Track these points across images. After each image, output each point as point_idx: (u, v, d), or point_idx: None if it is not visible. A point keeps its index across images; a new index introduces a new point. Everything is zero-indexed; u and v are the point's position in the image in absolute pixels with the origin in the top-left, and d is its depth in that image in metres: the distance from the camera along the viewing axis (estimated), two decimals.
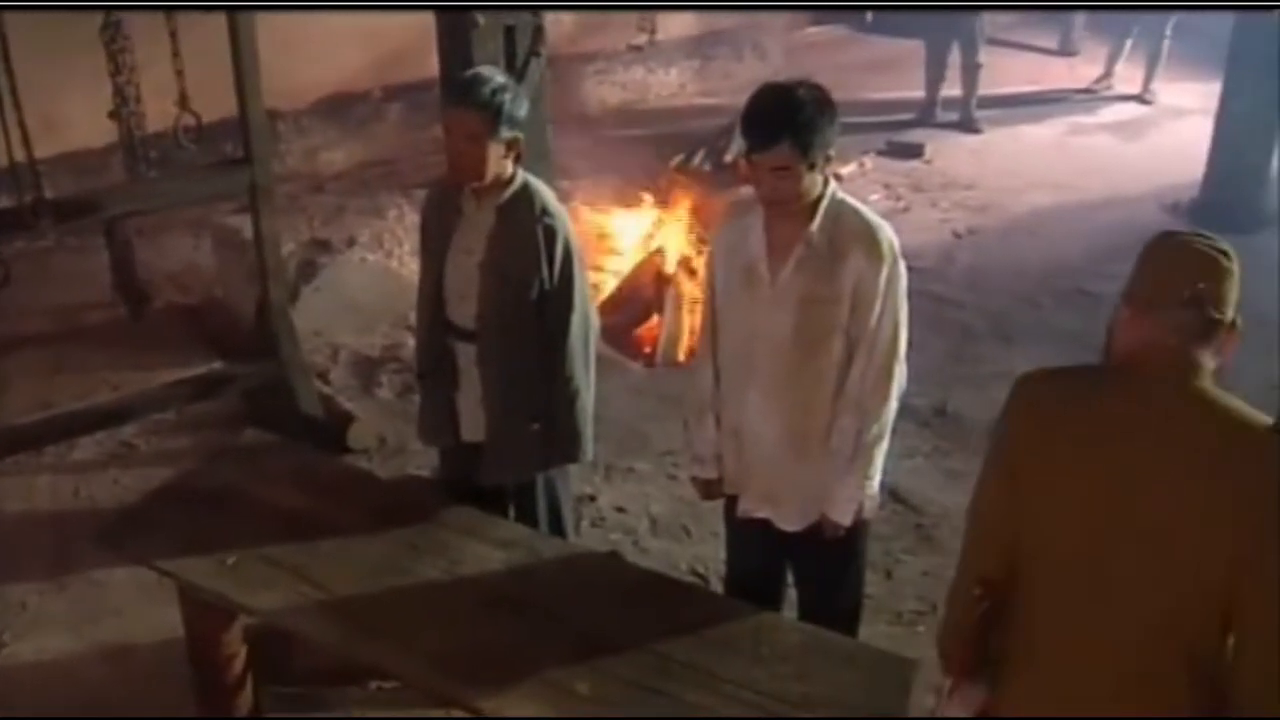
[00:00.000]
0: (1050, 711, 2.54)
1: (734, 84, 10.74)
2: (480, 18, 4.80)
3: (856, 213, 3.47)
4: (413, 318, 4.57)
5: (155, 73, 5.49)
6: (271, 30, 5.57)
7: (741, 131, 3.39)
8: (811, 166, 3.31)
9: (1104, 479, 2.43)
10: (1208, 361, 2.59)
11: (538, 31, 5.03)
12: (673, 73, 11.28)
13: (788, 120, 3.25)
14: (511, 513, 4.14)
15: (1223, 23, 8.90)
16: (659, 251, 7.30)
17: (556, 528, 4.22)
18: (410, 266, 6.60)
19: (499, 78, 3.76)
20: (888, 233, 3.46)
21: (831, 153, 3.38)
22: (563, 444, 4.04)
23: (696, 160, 9.12)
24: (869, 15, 12.72)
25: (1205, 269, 2.66)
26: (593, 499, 5.47)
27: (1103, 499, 2.43)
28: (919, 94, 10.80)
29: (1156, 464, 2.41)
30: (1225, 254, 2.69)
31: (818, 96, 3.31)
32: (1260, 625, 2.31)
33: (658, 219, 7.80)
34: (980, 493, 2.70)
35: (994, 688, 2.66)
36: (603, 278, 7.22)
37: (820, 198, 3.41)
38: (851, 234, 3.42)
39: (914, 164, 9.83)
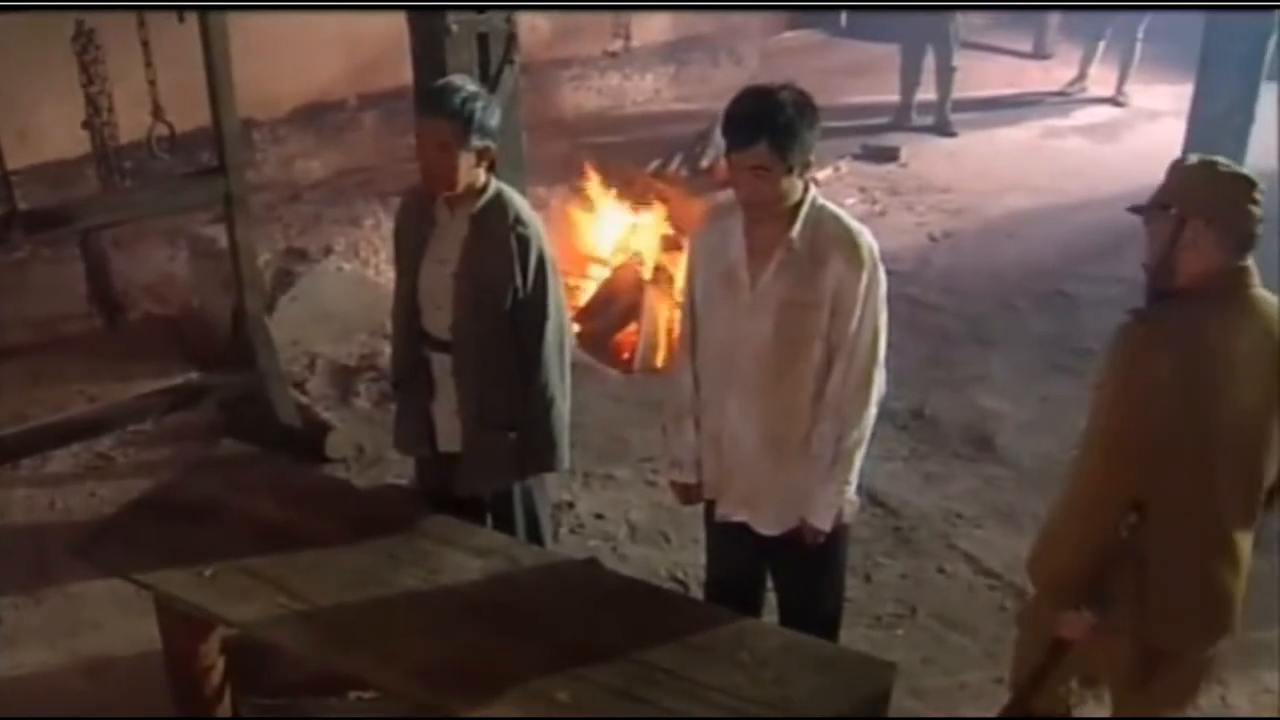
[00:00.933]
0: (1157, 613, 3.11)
1: (710, 89, 10.77)
2: (454, 25, 4.79)
3: (837, 218, 3.48)
4: (390, 326, 4.56)
5: (128, 83, 5.48)
6: (246, 39, 5.56)
7: (722, 131, 3.40)
8: (790, 169, 3.31)
9: (1225, 391, 2.99)
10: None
11: (511, 39, 5.02)
12: (649, 78, 11.29)
13: (767, 121, 3.26)
14: (489, 521, 4.13)
15: (1194, 25, 8.93)
16: (636, 258, 7.30)
17: (534, 535, 4.21)
18: (387, 275, 6.58)
19: (470, 86, 3.76)
20: (868, 238, 3.47)
21: (812, 157, 3.39)
22: (539, 453, 4.04)
23: (673, 166, 9.11)
24: (844, 19, 12.75)
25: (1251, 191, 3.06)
26: (571, 506, 5.47)
27: (1221, 408, 2.99)
28: (894, 98, 10.82)
29: (1254, 363, 2.99)
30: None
31: (799, 100, 3.32)
32: None
33: (634, 225, 7.80)
34: (1112, 422, 3.08)
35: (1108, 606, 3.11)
36: (580, 285, 7.22)
37: (800, 203, 3.42)
38: (832, 239, 3.43)
39: (889, 168, 9.86)
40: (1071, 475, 3.21)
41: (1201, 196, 3.07)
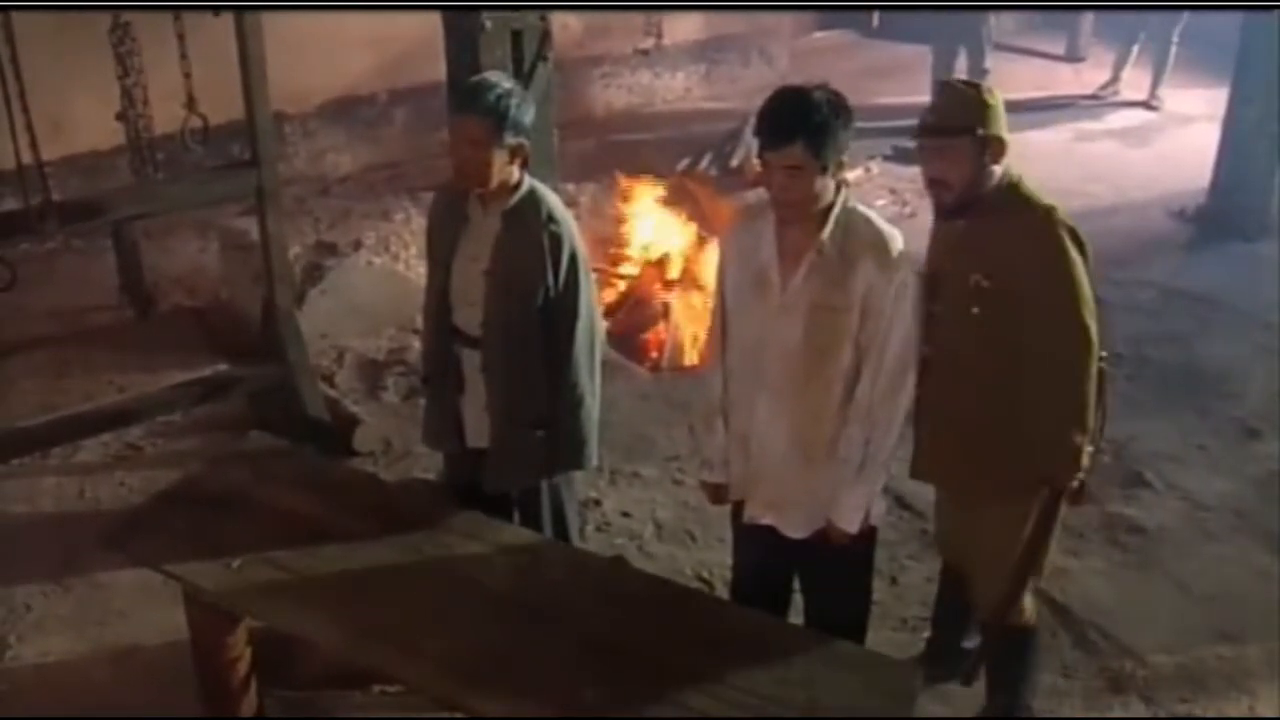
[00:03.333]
0: None
1: (740, 89, 10.75)
2: (487, 22, 4.80)
3: (868, 221, 3.47)
4: (419, 321, 4.58)
5: (163, 75, 5.49)
6: (279, 33, 5.58)
7: (756, 130, 3.40)
8: (824, 169, 3.31)
9: None
10: None
11: (545, 36, 5.02)
12: (679, 77, 11.27)
13: (803, 120, 3.26)
14: (516, 517, 4.14)
15: (1230, 28, 8.88)
16: (665, 256, 7.30)
17: (561, 532, 4.21)
18: (416, 270, 6.60)
19: (505, 83, 3.76)
20: (899, 241, 3.46)
21: (845, 158, 3.38)
22: (567, 451, 4.04)
23: (703, 165, 9.12)
24: (875, 20, 12.70)
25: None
26: (598, 503, 5.47)
27: None
28: (925, 99, 10.70)
29: None
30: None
31: (834, 100, 3.32)
32: None
33: (664, 224, 7.79)
34: (1085, 290, 3.63)
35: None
36: (610, 282, 7.22)
37: (832, 205, 3.41)
38: (863, 242, 3.42)
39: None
40: (1065, 357, 3.58)
41: (989, 118, 3.62)
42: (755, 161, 3.45)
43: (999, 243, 3.57)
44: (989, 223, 3.59)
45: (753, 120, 3.47)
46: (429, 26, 5.29)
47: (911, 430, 3.75)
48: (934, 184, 3.64)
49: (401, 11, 7.85)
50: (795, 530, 3.68)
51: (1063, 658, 4.61)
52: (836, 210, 3.43)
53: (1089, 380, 3.58)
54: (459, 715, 3.59)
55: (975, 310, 3.57)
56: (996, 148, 3.59)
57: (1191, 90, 11.25)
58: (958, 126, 3.55)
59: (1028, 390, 3.58)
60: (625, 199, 8.08)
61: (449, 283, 3.94)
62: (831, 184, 3.39)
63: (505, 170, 3.74)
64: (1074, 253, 3.59)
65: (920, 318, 3.56)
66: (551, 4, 5.11)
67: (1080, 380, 3.57)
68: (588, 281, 3.94)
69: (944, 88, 3.79)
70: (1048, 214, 3.61)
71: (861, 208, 3.52)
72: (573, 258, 3.83)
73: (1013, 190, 3.65)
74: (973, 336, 3.60)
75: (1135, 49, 11.37)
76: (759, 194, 3.49)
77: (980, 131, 3.56)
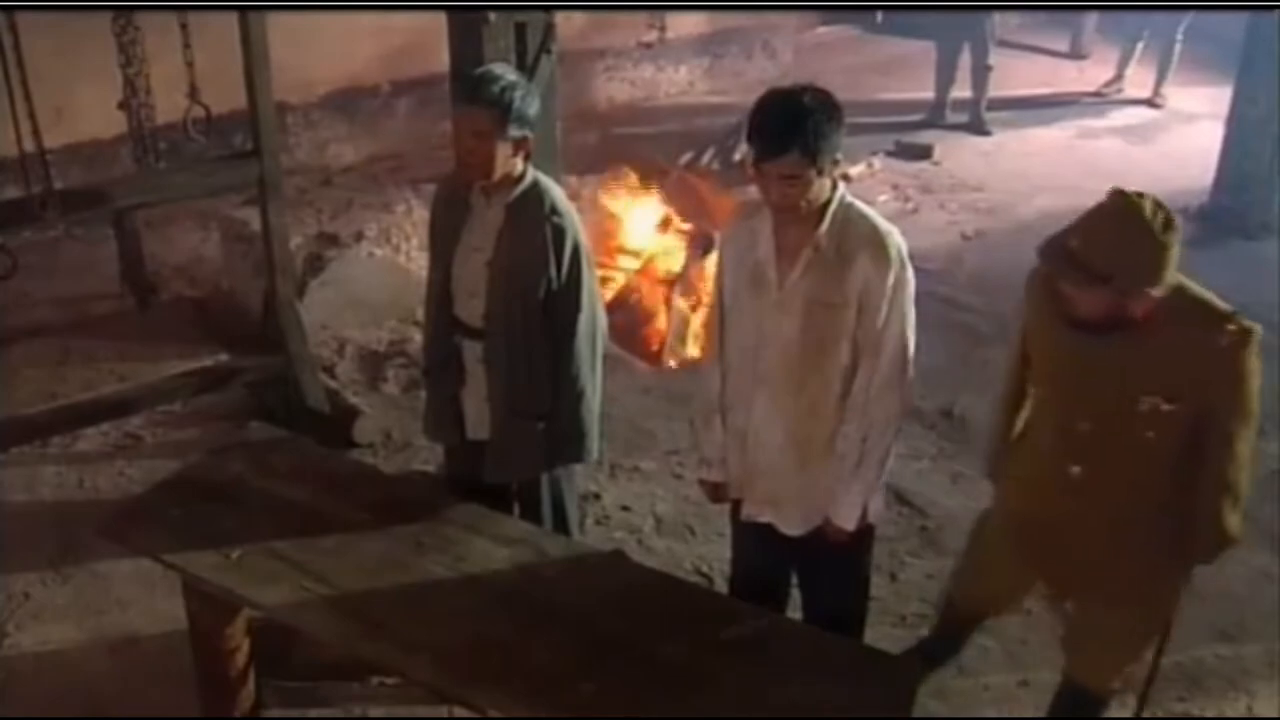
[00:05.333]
0: None
1: (744, 83, 10.75)
2: (491, 14, 4.79)
3: (865, 217, 3.46)
4: (420, 313, 4.58)
5: (165, 64, 5.50)
6: (282, 23, 5.58)
7: (749, 139, 3.38)
8: (820, 172, 3.30)
9: None
10: None
11: (549, 28, 5.01)
12: (682, 70, 11.26)
13: (796, 128, 3.23)
14: (516, 510, 4.14)
15: (1235, 27, 8.88)
16: (667, 250, 7.30)
17: (561, 525, 4.22)
18: (418, 262, 6.59)
19: (510, 75, 3.75)
20: (896, 238, 3.45)
21: (839, 157, 3.37)
22: (568, 444, 4.04)
23: (705, 159, 9.13)
24: (879, 16, 12.70)
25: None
26: (598, 497, 5.47)
27: None
28: (928, 95, 10.78)
29: None
30: None
31: (824, 102, 3.30)
32: None
33: (666, 217, 7.79)
34: None
35: None
36: (610, 276, 7.21)
37: (829, 201, 3.40)
38: (859, 238, 3.41)
39: (923, 165, 9.81)
40: (1231, 450, 3.31)
41: (1145, 270, 3.09)
42: (750, 171, 3.42)
43: (1182, 364, 3.19)
44: (1162, 339, 3.17)
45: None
46: (432, 18, 5.28)
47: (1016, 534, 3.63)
48: (1065, 300, 3.26)
49: (404, 10, 7.87)
50: (793, 527, 3.68)
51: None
52: (833, 207, 3.42)
53: (1248, 464, 3.33)
54: (457, 708, 3.60)
55: (1150, 434, 3.25)
56: (1144, 299, 3.13)
57: (1195, 88, 11.25)
58: (1101, 273, 3.10)
59: (1185, 485, 3.35)
60: (628, 193, 8.07)
61: (451, 274, 3.94)
62: (827, 183, 3.37)
63: (509, 162, 3.74)
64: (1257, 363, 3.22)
65: (1053, 432, 3.40)
66: (554, 3, 5.10)
67: (1241, 468, 3.32)
68: (590, 274, 3.93)
69: (1112, 211, 3.17)
70: (1243, 335, 3.18)
71: (859, 204, 3.50)
72: (575, 250, 3.83)
73: (1182, 297, 3.22)
74: (1143, 458, 3.32)
75: (1139, 47, 11.38)
76: (758, 191, 3.47)
77: (1125, 285, 3.11)
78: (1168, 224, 3.07)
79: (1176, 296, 3.17)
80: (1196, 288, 3.25)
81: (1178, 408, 3.19)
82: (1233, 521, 3.36)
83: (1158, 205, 3.09)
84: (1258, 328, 3.19)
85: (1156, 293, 3.08)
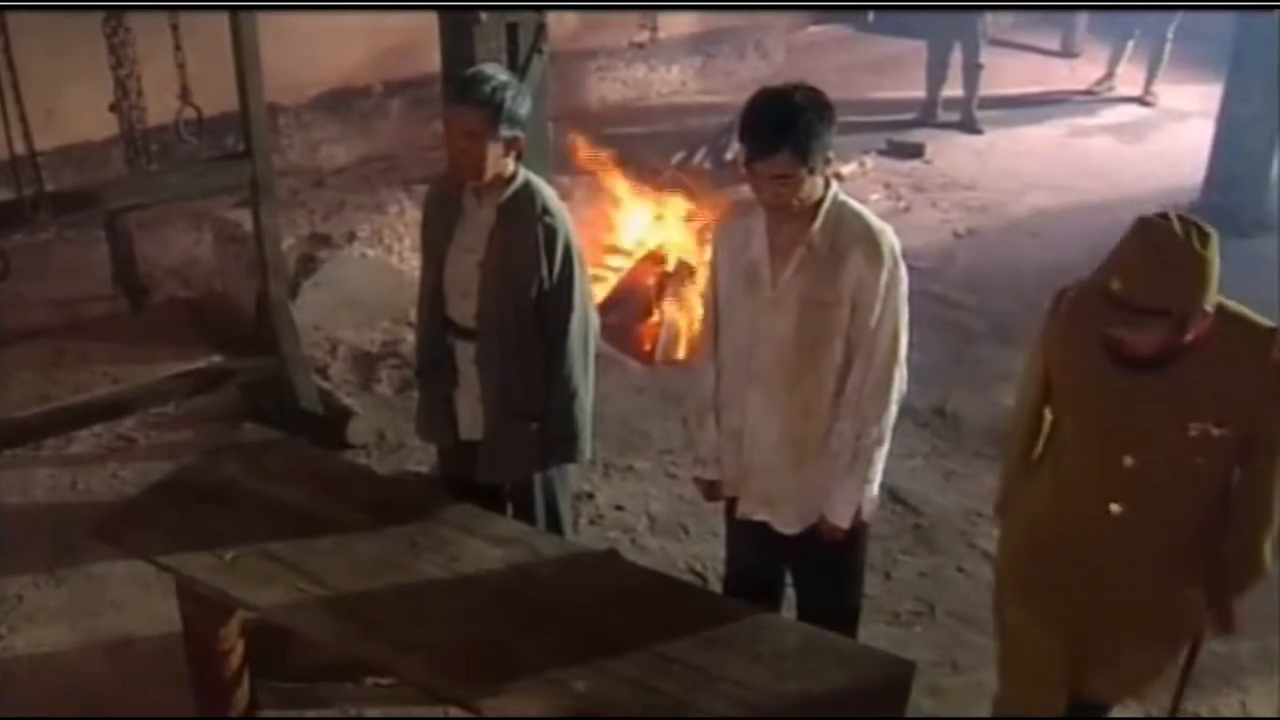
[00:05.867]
0: None
1: (735, 82, 10.76)
2: (483, 14, 4.79)
3: (858, 215, 3.46)
4: (413, 314, 4.57)
5: (157, 66, 5.48)
6: (274, 24, 5.57)
7: (740, 139, 3.38)
8: (811, 171, 3.30)
9: None
10: None
11: (540, 28, 5.03)
12: (674, 70, 11.28)
13: (787, 128, 3.23)
14: (510, 510, 4.14)
15: (1225, 25, 8.90)
16: (659, 249, 7.30)
17: (555, 525, 4.22)
18: (410, 262, 6.59)
19: (501, 75, 3.75)
20: (889, 236, 3.45)
21: (831, 155, 3.37)
22: (560, 444, 4.04)
23: (697, 158, 9.13)
24: (871, 15, 12.72)
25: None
26: (591, 497, 5.47)
27: None
28: (920, 94, 10.80)
29: None
30: None
31: (815, 101, 3.30)
32: None
33: (658, 217, 7.79)
34: None
35: None
36: (603, 275, 7.21)
37: (821, 200, 3.41)
38: (852, 237, 3.41)
39: (915, 164, 9.83)
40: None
41: (1198, 291, 2.89)
42: (742, 170, 3.42)
43: (1232, 385, 2.99)
44: (1211, 361, 2.99)
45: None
46: (424, 18, 5.29)
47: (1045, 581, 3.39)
48: (1114, 344, 3.04)
49: (395, 10, 7.86)
50: (788, 526, 3.68)
51: None
52: (826, 205, 3.42)
53: None
54: (452, 708, 3.60)
55: (1200, 461, 3.05)
56: (1201, 320, 2.94)
57: (1186, 86, 11.28)
58: (1155, 307, 2.88)
59: (1222, 513, 3.17)
60: (620, 193, 8.07)
61: (443, 275, 3.94)
62: (820, 182, 3.37)
63: (500, 163, 3.73)
64: None
65: (1091, 466, 3.18)
66: (548, 4, 5.11)
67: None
68: (582, 274, 3.93)
69: (1144, 241, 2.96)
70: None
71: (852, 202, 3.50)
72: (567, 250, 3.83)
73: (1223, 315, 3.00)
74: (1189, 488, 3.13)
75: (1130, 45, 11.40)
76: (751, 190, 3.47)
77: (1183, 311, 2.90)
78: (1204, 237, 2.90)
79: (1218, 314, 2.97)
80: (1232, 303, 3.06)
81: (1228, 431, 3.01)
82: (1268, 553, 3.18)
83: (1185, 221, 2.92)
84: None
85: (1211, 308, 2.92)
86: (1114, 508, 3.15)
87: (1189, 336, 2.94)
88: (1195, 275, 2.87)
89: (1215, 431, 3.01)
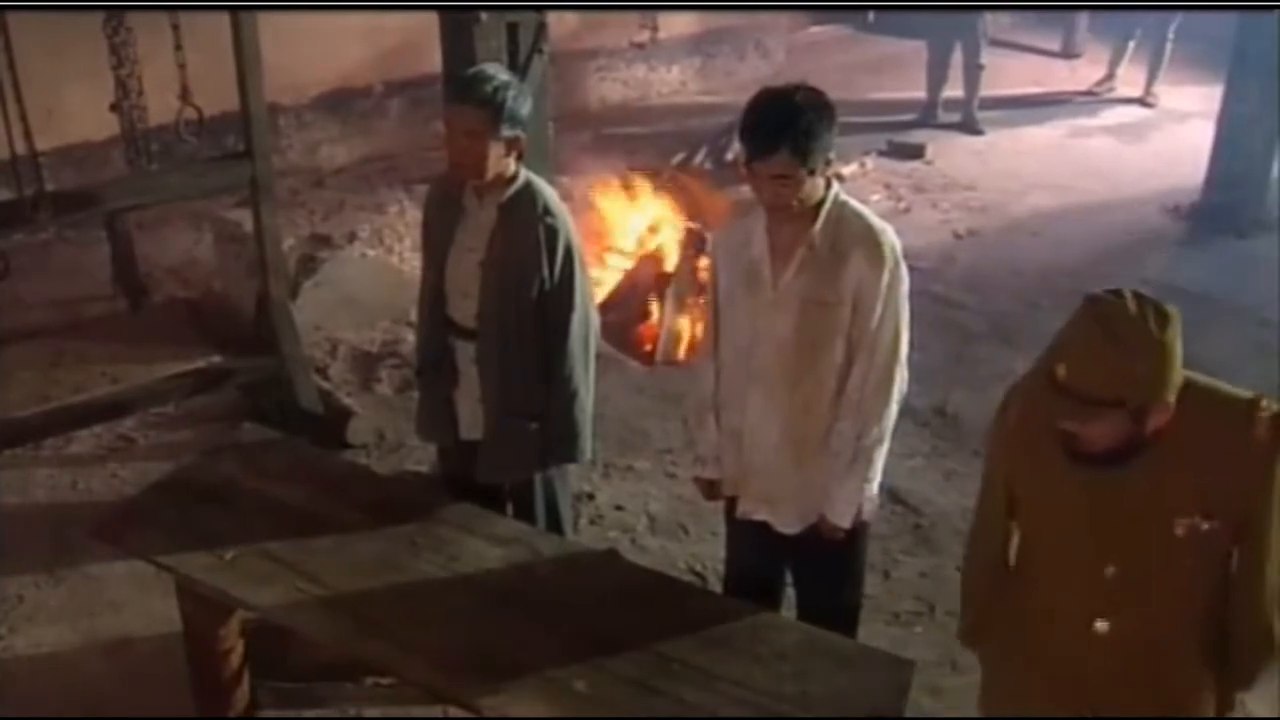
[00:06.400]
0: None
1: (736, 82, 10.76)
2: (483, 14, 4.79)
3: (859, 216, 3.46)
4: (413, 314, 4.58)
5: (157, 66, 5.49)
6: (274, 24, 5.57)
7: (740, 139, 3.39)
8: (811, 172, 3.30)
9: None
10: None
11: (541, 28, 5.02)
12: (674, 70, 11.27)
13: (787, 129, 3.23)
14: (510, 510, 4.14)
15: (1225, 26, 8.89)
16: (659, 250, 7.30)
17: (554, 525, 4.21)
18: (411, 262, 6.60)
19: (502, 75, 3.75)
20: (890, 236, 3.45)
21: (831, 156, 3.37)
22: (561, 444, 4.04)
23: (698, 159, 9.12)
24: (871, 15, 12.71)
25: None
26: (591, 497, 5.47)
27: None
28: (921, 94, 10.79)
29: None
30: None
31: (815, 102, 3.30)
32: None
33: (658, 217, 7.79)
34: None
35: None
36: (603, 275, 7.21)
37: (822, 200, 3.41)
38: (853, 237, 3.41)
39: (915, 164, 9.82)
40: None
41: (1157, 380, 2.56)
42: (743, 170, 3.42)
43: (1215, 470, 2.64)
44: (1186, 448, 2.65)
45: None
46: (424, 18, 5.29)
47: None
48: (1069, 439, 2.68)
49: (395, 10, 7.86)
50: (788, 525, 3.68)
51: None
52: (828, 205, 3.42)
53: None
54: (452, 707, 3.59)
55: (1190, 561, 2.70)
56: (1163, 413, 2.61)
57: (1187, 87, 11.27)
58: (1106, 398, 2.54)
59: (1224, 600, 2.80)
60: (621, 193, 8.07)
61: (444, 275, 3.94)
62: (821, 182, 3.37)
63: (501, 162, 3.73)
64: None
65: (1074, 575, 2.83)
66: (548, 4, 5.11)
67: None
68: (583, 274, 3.93)
69: (1093, 323, 2.55)
70: (1276, 421, 2.64)
71: (853, 203, 3.51)
72: (568, 250, 3.83)
73: (1192, 393, 2.67)
74: (1182, 591, 2.76)
75: (1131, 45, 11.39)
76: (751, 191, 3.47)
77: (1140, 403, 2.56)
78: (1162, 318, 2.55)
79: (1186, 393, 2.64)
80: (1201, 377, 2.72)
81: (1218, 522, 2.66)
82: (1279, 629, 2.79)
83: (1142, 300, 2.56)
84: (1260, 396, 2.69)
85: (1173, 399, 2.60)
86: (1099, 625, 2.79)
87: (1152, 429, 2.61)
88: (1153, 363, 2.54)
89: (1205, 525, 2.66)
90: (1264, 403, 2.65)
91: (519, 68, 4.89)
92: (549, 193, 3.88)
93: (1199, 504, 2.65)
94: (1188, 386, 2.64)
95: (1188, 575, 2.73)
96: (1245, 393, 2.70)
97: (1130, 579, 2.73)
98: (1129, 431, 2.59)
